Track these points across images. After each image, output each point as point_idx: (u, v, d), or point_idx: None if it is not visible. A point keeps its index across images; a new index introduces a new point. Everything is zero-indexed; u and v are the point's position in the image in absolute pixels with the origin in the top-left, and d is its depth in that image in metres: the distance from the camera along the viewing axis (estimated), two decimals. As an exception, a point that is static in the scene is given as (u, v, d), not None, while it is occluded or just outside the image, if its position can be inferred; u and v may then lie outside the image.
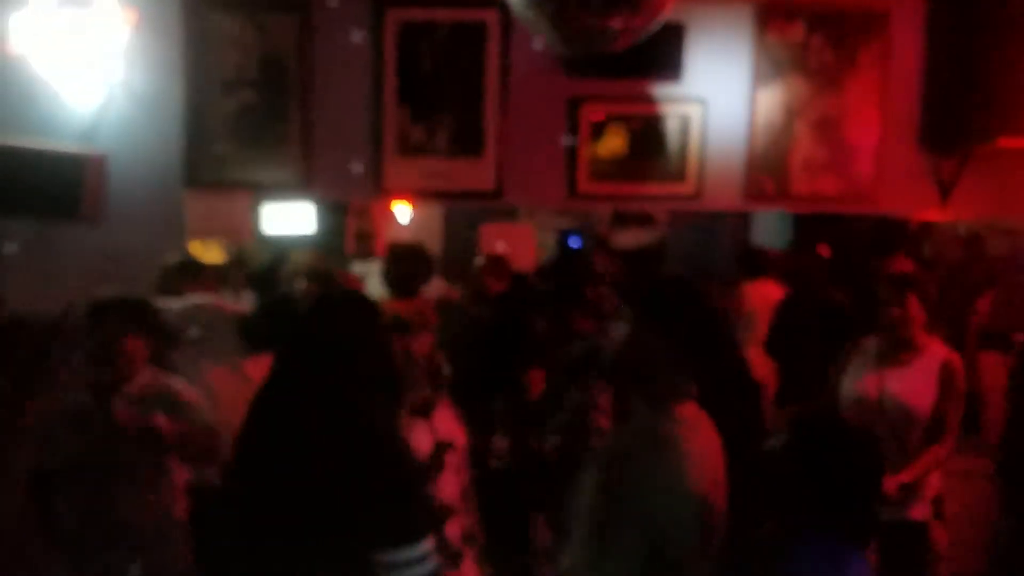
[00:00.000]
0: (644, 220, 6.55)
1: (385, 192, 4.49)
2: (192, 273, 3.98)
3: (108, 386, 2.85)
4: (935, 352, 3.31)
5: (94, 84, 4.05)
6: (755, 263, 5.65)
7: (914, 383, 3.25)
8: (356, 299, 2.34)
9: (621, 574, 2.02)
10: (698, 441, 2.06)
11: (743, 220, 6.52)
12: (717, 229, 6.71)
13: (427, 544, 2.00)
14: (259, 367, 3.36)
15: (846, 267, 5.41)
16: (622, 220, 6.59)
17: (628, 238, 6.57)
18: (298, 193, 4.52)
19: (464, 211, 6.80)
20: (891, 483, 3.01)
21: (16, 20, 3.87)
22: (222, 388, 3.35)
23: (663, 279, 3.11)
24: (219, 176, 4.30)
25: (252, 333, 3.54)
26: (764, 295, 5.37)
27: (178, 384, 2.99)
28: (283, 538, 1.99)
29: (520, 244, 4.37)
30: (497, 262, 5.19)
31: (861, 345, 3.44)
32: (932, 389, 3.23)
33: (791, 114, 4.25)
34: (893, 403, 3.24)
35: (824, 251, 5.46)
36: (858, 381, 3.34)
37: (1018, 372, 3.96)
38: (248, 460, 2.14)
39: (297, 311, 3.61)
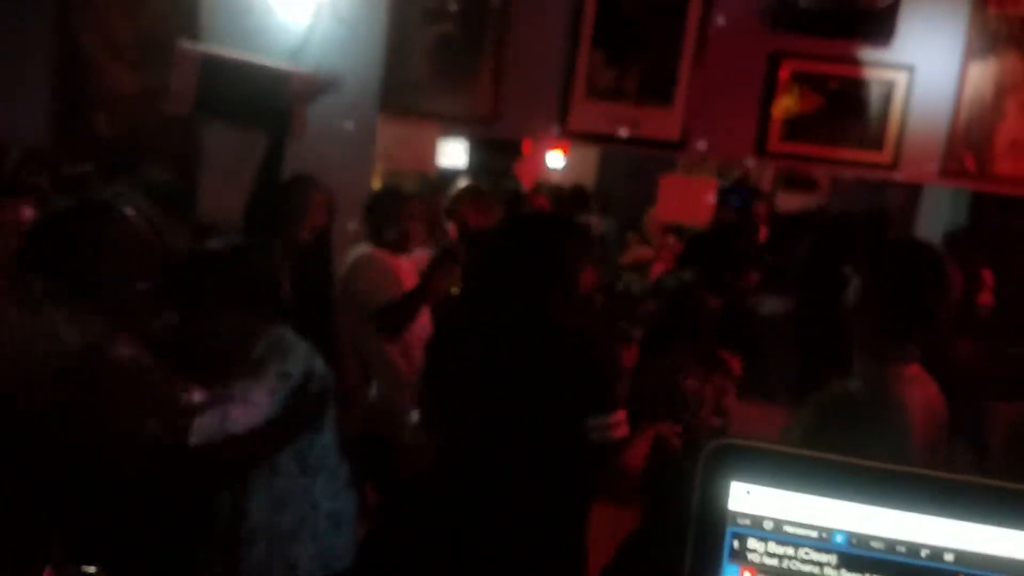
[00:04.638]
0: (810, 185, 6.39)
1: (568, 134, 4.51)
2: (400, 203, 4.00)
3: None
4: None
5: (304, 2, 4.18)
6: None
7: None
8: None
9: None
10: (919, 399, 2.08)
11: (913, 194, 6.27)
12: (877, 201, 6.47)
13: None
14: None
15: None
16: (788, 183, 6.45)
17: (792, 202, 6.43)
18: (483, 128, 4.58)
19: (622, 159, 6.79)
20: None
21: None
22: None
23: (901, 240, 3.09)
24: (412, 104, 4.40)
25: None
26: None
27: None
28: None
29: (698, 199, 4.32)
30: None
31: None
32: None
33: (1003, 91, 4.05)
34: None
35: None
36: None
37: None
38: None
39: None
